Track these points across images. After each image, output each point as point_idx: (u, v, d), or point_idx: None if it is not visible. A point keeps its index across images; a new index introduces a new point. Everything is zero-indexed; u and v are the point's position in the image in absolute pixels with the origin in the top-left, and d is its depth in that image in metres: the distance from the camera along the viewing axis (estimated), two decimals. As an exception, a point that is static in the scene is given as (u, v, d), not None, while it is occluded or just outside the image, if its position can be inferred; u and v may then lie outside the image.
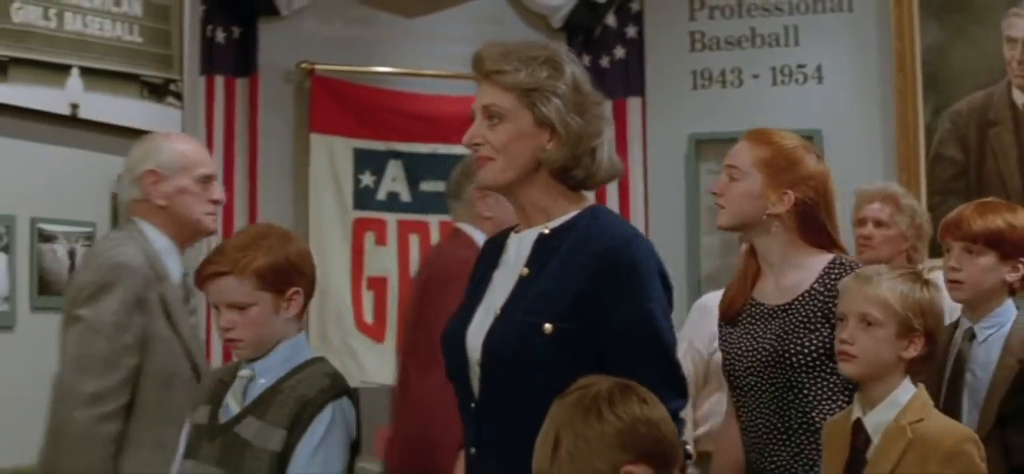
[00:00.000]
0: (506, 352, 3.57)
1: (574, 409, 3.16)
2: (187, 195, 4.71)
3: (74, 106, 6.43)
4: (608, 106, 3.80)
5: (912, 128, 8.18)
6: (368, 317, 8.22)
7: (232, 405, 3.89)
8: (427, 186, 8.20)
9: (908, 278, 3.79)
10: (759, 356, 4.09)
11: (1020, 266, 4.05)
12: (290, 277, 3.88)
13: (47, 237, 6.27)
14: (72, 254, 6.37)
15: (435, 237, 8.10)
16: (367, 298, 8.23)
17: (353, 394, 3.92)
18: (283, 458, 3.76)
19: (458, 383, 3.72)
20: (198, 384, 4.49)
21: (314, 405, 3.79)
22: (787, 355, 4.04)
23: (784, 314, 4.10)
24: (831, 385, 3.99)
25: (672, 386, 3.53)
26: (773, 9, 8.71)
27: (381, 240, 8.30)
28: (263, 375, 3.89)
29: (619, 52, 8.79)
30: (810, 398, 4.01)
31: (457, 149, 8.10)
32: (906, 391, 3.72)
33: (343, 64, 8.18)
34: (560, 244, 3.61)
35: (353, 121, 8.21)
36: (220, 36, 7.82)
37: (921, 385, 3.77)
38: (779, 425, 4.06)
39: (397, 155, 8.29)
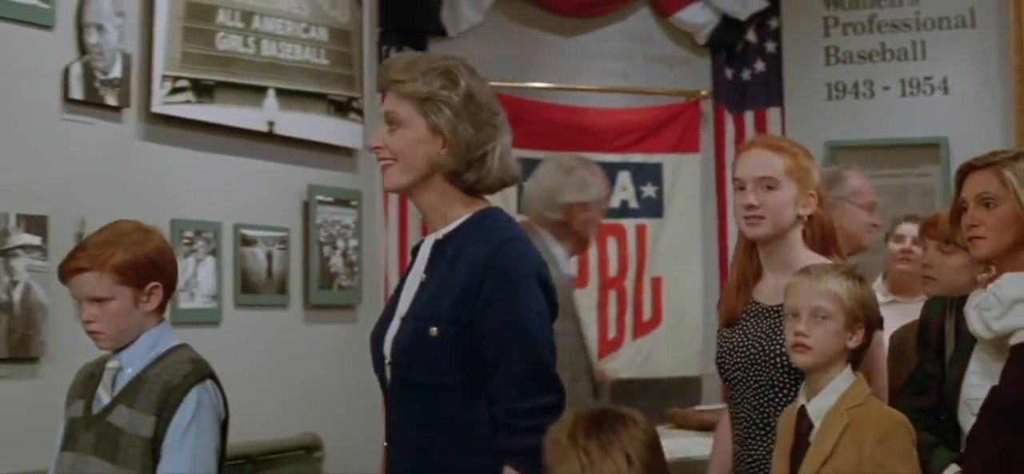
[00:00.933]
0: (403, 354, 3.65)
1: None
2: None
3: (271, 123, 6.50)
4: (503, 117, 3.78)
5: (1031, 136, 8.15)
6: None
7: (103, 396, 3.84)
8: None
9: (849, 275, 3.80)
10: (748, 353, 4.05)
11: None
12: (149, 272, 3.83)
13: (248, 241, 6.38)
14: (269, 256, 6.49)
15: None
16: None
17: (216, 377, 3.90)
18: (155, 442, 3.74)
19: (379, 381, 3.79)
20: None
21: (179, 390, 3.77)
22: (772, 354, 4.00)
23: (776, 315, 4.03)
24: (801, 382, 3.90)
25: (538, 383, 3.55)
26: (901, 26, 8.74)
27: (540, 241, 8.38)
28: (129, 365, 3.85)
29: (759, 66, 8.88)
30: (790, 396, 3.95)
31: (611, 157, 8.34)
32: (846, 379, 3.74)
33: (506, 80, 8.07)
34: (449, 249, 3.66)
35: (517, 132, 8.17)
36: (394, 55, 7.95)
37: (860, 373, 3.78)
38: (758, 420, 4.02)
39: None
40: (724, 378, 4.18)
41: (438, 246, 3.71)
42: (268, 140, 6.55)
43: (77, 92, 5.49)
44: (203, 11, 6.18)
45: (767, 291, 4.12)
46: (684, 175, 8.64)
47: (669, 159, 8.53)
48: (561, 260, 5.96)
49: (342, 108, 7.01)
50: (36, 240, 5.25)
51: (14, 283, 5.16)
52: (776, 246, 4.09)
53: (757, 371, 4.01)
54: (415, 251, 3.88)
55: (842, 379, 3.74)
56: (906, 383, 4.27)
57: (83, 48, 5.54)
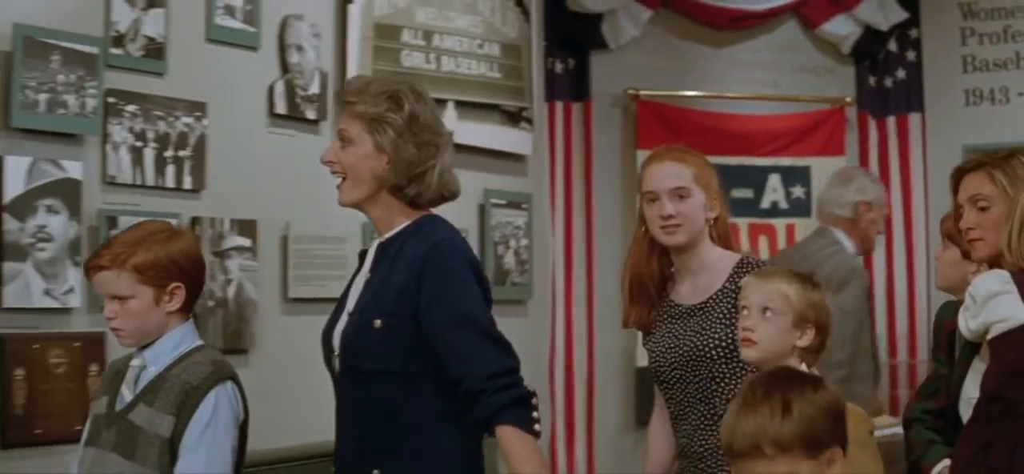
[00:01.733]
0: (349, 346, 3.75)
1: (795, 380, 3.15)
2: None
3: (451, 133, 6.64)
4: (447, 137, 3.88)
5: None
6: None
7: (126, 393, 3.74)
8: (736, 193, 8.19)
9: (801, 278, 3.78)
10: (681, 352, 4.05)
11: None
12: (171, 273, 3.71)
13: None
14: None
15: (745, 238, 8.26)
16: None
17: (236, 378, 3.79)
18: (174, 441, 3.63)
19: (329, 372, 3.87)
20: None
21: (198, 392, 3.66)
22: (707, 349, 4.02)
23: (701, 312, 4.07)
24: (748, 372, 3.90)
25: (497, 349, 3.64)
26: (1036, 34, 8.72)
27: (699, 241, 8.48)
28: (152, 363, 3.74)
29: (900, 74, 8.88)
30: (731, 385, 3.98)
31: (762, 160, 8.44)
32: None
33: (662, 89, 8.35)
34: (392, 250, 3.76)
35: (673, 138, 7.92)
36: (559, 68, 8.07)
37: (814, 369, 3.72)
38: (705, 412, 4.03)
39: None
40: (660, 381, 4.18)
41: (382, 247, 3.81)
42: (449, 148, 6.68)
43: (281, 107, 5.72)
44: (389, 31, 6.37)
45: (685, 292, 4.16)
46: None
47: (816, 162, 8.56)
48: (850, 250, 6.90)
49: (513, 118, 7.13)
50: (247, 242, 5.47)
51: (228, 281, 5.39)
52: (691, 250, 4.11)
53: (696, 367, 4.04)
54: (362, 255, 3.99)
55: None
56: (921, 385, 4.30)
57: (285, 67, 5.78)
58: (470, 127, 6.76)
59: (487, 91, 6.99)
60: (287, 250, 5.74)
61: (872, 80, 8.94)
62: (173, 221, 4.58)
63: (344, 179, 3.81)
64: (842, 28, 8.79)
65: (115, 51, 5.02)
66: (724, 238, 4.21)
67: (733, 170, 8.28)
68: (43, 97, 4.71)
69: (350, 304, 3.83)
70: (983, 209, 3.89)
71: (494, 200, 6.96)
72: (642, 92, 8.33)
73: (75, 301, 4.84)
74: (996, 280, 3.64)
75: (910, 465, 4.01)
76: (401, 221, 3.79)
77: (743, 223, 8.32)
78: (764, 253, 8.36)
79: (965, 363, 3.85)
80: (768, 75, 8.78)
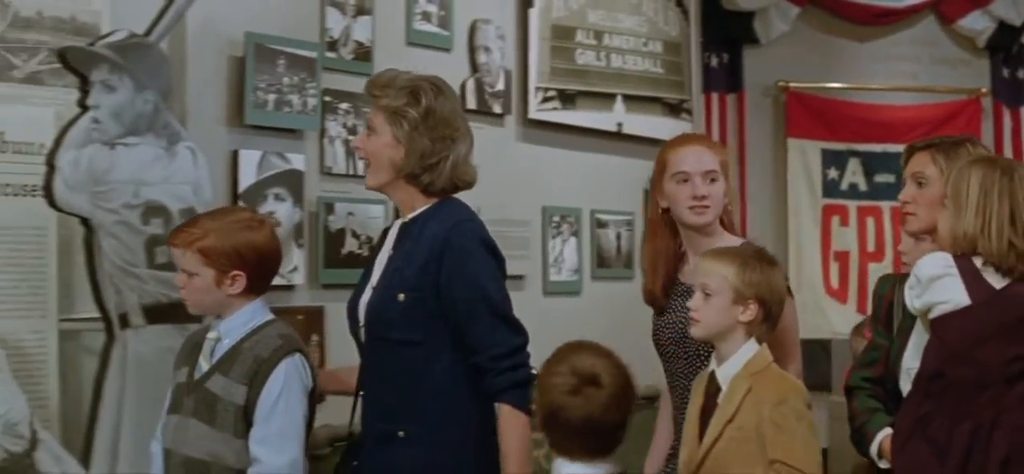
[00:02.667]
0: (374, 316, 3.78)
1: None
2: None
3: (619, 125, 6.83)
4: (465, 131, 3.86)
5: None
6: (834, 283, 8.50)
7: (203, 364, 3.75)
8: (880, 178, 8.45)
9: (743, 258, 3.70)
10: (678, 328, 3.99)
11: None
12: (233, 261, 3.70)
13: (602, 224, 6.72)
14: (618, 237, 6.80)
15: (887, 220, 8.35)
16: (833, 268, 8.52)
17: (305, 350, 3.80)
18: (247, 409, 3.66)
19: (355, 341, 3.91)
20: None
21: (268, 363, 3.67)
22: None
23: None
24: None
25: (505, 329, 3.70)
26: None
27: (844, 222, 8.57)
28: (227, 336, 3.75)
29: (1033, 65, 8.87)
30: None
31: (897, 149, 8.48)
32: (750, 349, 3.65)
33: (810, 81, 8.48)
34: (414, 230, 3.79)
35: (820, 127, 8.49)
36: (714, 62, 8.28)
37: (764, 344, 3.67)
38: (690, 388, 3.92)
39: (856, 154, 8.55)
40: (660, 352, 4.12)
41: (405, 227, 3.84)
42: (617, 139, 6.88)
43: (471, 103, 5.93)
44: (565, 33, 6.58)
45: (691, 271, 4.06)
46: (967, 164, 8.75)
47: (955, 150, 8.61)
48: None
49: (674, 109, 7.28)
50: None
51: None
52: (708, 232, 4.05)
53: (686, 343, 3.97)
54: (383, 234, 4.05)
55: (746, 349, 3.66)
56: (861, 354, 4.11)
57: (475, 67, 6.01)
58: (636, 118, 6.95)
59: (651, 85, 7.14)
60: (480, 231, 5.92)
61: (1006, 72, 8.96)
62: (279, 211, 4.86)
63: (368, 164, 3.87)
64: (977, 23, 8.84)
65: (330, 55, 5.27)
66: (730, 224, 4.16)
67: (877, 156, 8.44)
68: (271, 97, 4.96)
69: (374, 278, 3.87)
70: (920, 185, 3.84)
71: (658, 185, 7.08)
72: (791, 83, 8.46)
73: (298, 278, 5.08)
74: (939, 263, 3.58)
75: (854, 431, 3.86)
76: (421, 204, 3.82)
77: (886, 206, 8.39)
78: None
79: (904, 335, 3.79)
80: (908, 68, 8.85)
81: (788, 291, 3.85)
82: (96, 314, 4.15)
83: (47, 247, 4.16)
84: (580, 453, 3.28)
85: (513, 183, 6.07)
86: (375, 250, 4.06)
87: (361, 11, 5.43)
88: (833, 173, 8.57)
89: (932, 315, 3.58)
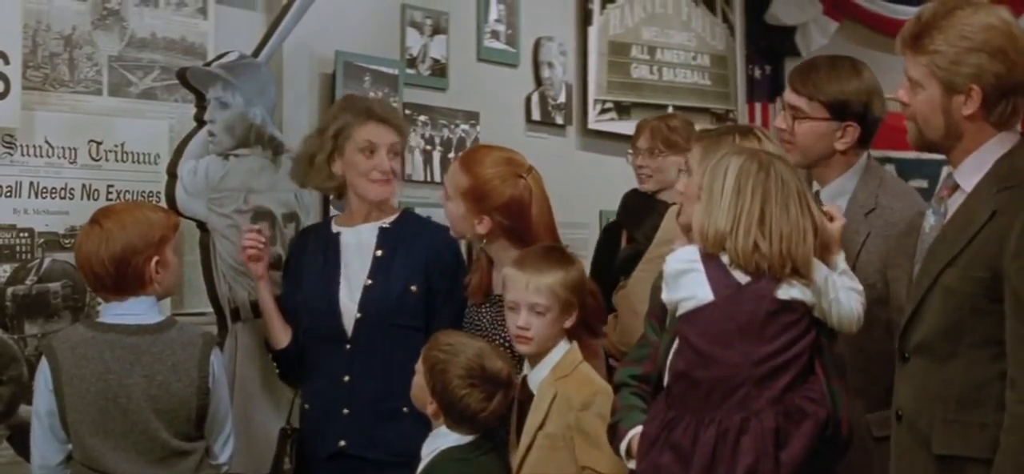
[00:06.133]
0: (385, 307, 4.06)
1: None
2: None
3: None
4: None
5: None
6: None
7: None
8: (914, 183, 8.41)
9: (560, 263, 3.67)
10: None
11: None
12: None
13: None
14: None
15: None
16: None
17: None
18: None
19: (326, 333, 4.11)
20: None
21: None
22: None
23: None
24: None
25: None
26: None
27: (869, 226, 8.72)
28: None
29: (1061, 77, 9.09)
30: None
31: (931, 156, 8.66)
32: (559, 350, 3.62)
33: None
34: (406, 232, 4.17)
35: None
36: (758, 73, 8.45)
37: (574, 342, 3.64)
38: None
39: (889, 160, 8.46)
40: None
41: (384, 232, 4.18)
42: (668, 147, 7.11)
43: (536, 114, 6.24)
44: (621, 48, 6.88)
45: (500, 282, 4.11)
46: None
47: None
48: None
49: (721, 119, 7.49)
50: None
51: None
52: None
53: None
54: (313, 242, 4.29)
55: (556, 352, 3.63)
56: (631, 350, 3.68)
57: (539, 81, 6.31)
58: (686, 128, 7.18)
59: (699, 96, 7.41)
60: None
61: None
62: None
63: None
64: (1010, 36, 8.99)
65: (409, 71, 5.55)
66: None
67: (911, 164, 8.48)
68: (358, 111, 5.26)
69: (355, 275, 4.15)
70: (691, 176, 3.43)
71: (706, 191, 7.31)
72: (830, 94, 8.56)
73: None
74: (685, 257, 3.20)
75: (609, 428, 3.44)
76: (392, 213, 4.24)
77: (919, 211, 8.49)
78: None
79: (672, 331, 3.31)
80: (937, 83, 8.94)
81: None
82: (207, 309, 4.41)
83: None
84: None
85: (573, 189, 6.27)
86: (300, 256, 4.30)
87: (437, 31, 5.71)
88: (868, 179, 8.63)
89: (679, 312, 3.20)
